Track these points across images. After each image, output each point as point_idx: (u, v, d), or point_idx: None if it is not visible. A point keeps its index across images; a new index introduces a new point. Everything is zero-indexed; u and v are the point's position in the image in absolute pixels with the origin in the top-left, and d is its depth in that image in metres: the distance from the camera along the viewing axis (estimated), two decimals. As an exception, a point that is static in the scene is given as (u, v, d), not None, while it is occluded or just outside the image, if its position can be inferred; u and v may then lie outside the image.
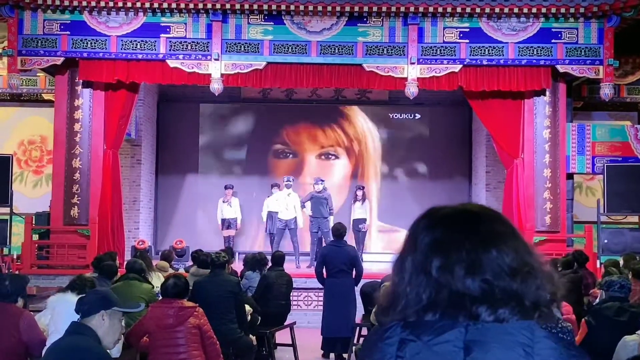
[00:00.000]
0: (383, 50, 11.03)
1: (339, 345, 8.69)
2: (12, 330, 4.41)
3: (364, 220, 13.49)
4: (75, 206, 11.19)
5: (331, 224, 13.21)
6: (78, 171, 11.22)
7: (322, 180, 13.27)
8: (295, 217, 12.81)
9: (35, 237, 11.38)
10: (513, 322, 0.98)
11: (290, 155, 15.53)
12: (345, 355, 8.60)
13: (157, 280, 7.61)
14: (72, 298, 4.46)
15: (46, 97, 13.39)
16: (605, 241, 11.24)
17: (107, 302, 3.21)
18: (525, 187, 11.27)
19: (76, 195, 11.20)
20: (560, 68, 10.98)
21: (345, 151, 15.51)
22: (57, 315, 4.49)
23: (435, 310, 1.01)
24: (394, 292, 1.08)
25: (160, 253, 10.57)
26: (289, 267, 12.03)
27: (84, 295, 3.38)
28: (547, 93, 11.25)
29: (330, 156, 15.56)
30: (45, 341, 4.46)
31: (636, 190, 11.22)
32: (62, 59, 10.99)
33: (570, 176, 11.64)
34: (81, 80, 11.19)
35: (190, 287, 5.94)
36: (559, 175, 11.25)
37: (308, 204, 12.78)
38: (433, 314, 1.01)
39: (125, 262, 8.45)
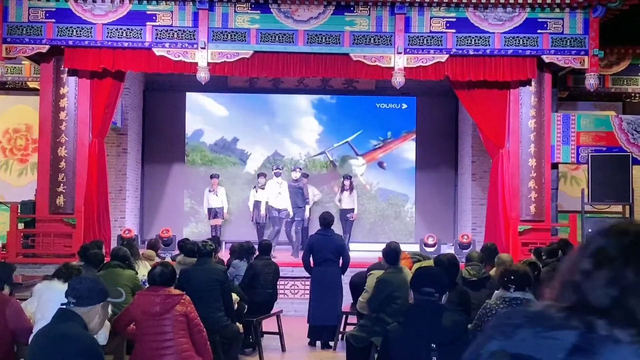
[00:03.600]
0: (370, 39, 11.04)
1: (325, 333, 8.75)
2: (-1, 316, 4.41)
3: (351, 210, 13.55)
4: (61, 195, 11.14)
5: (307, 214, 13.29)
6: (64, 160, 11.17)
7: (300, 169, 13.33)
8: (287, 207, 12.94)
9: (21, 225, 11.33)
10: (627, 346, 0.95)
11: (277, 145, 15.51)
12: (331, 343, 8.66)
13: (144, 269, 7.60)
14: (59, 286, 4.47)
15: (31, 85, 13.29)
16: (590, 230, 11.34)
17: (104, 294, 3.23)
18: (510, 177, 11.34)
19: (62, 184, 11.15)
20: (546, 58, 11.04)
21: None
22: (43, 302, 4.49)
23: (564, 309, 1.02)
24: (565, 289, 1.08)
25: (146, 242, 10.55)
26: (285, 256, 12.14)
27: (79, 280, 3.36)
28: (533, 83, 11.31)
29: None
30: (31, 328, 4.47)
31: (620, 180, 11.33)
32: (47, 46, 10.91)
33: (555, 166, 11.73)
34: (67, 69, 11.11)
35: (177, 276, 5.95)
36: (543, 165, 11.33)
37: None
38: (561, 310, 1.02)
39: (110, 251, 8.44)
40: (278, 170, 13.25)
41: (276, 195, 12.95)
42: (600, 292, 0.99)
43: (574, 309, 1.00)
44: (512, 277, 4.68)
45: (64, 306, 3.16)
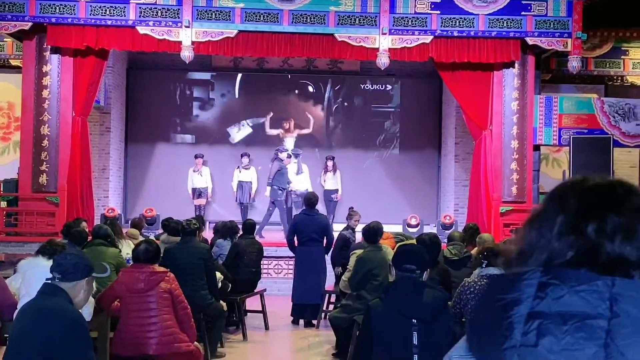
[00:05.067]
0: (355, 20, 11.03)
1: (308, 312, 8.83)
2: (-18, 293, 4.43)
3: (335, 191, 13.62)
4: (44, 173, 11.09)
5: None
6: (46, 138, 11.10)
7: (285, 150, 13.36)
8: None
9: (4, 204, 11.28)
10: None
11: (263, 125, 15.50)
12: (314, 322, 8.74)
13: (127, 247, 7.61)
14: (43, 262, 4.50)
15: (13, 62, 13.14)
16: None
17: (89, 269, 3.26)
18: (493, 158, 11.43)
19: (45, 163, 11.09)
20: (530, 40, 11.09)
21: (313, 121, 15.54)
22: (28, 279, 4.51)
23: (580, 267, 1.04)
24: (532, 245, 1.11)
25: (130, 221, 10.55)
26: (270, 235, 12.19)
27: (64, 255, 3.39)
28: (516, 65, 11.37)
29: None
30: (16, 304, 4.48)
31: (601, 161, 11.43)
32: (29, 24, 10.79)
33: (537, 148, 11.82)
34: (49, 46, 11.01)
35: (161, 254, 5.98)
36: (526, 147, 11.43)
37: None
38: (576, 269, 1.04)
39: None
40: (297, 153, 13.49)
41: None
42: (623, 245, 1.04)
43: (598, 266, 1.03)
44: (489, 255, 4.77)
45: (49, 281, 3.19)
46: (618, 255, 1.04)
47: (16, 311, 4.37)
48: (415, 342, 3.48)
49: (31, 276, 4.44)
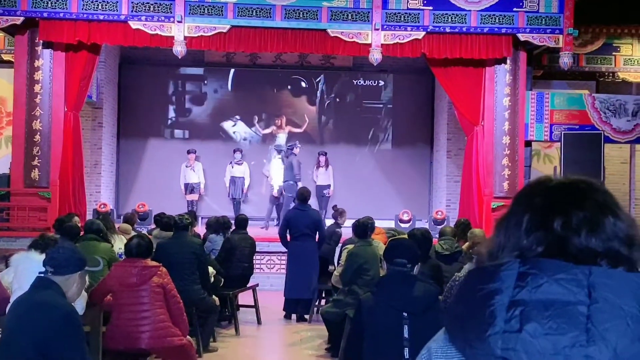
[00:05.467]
0: (347, 15, 11.04)
1: (300, 307, 8.86)
2: (-25, 287, 4.44)
3: (327, 186, 13.65)
4: (36, 168, 11.08)
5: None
6: (39, 133, 11.09)
7: (298, 146, 13.21)
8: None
9: (-5, 199, 11.27)
10: (633, 273, 1.06)
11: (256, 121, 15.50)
12: (306, 316, 8.78)
13: (120, 242, 7.61)
14: (36, 256, 4.52)
15: (5, 57, 13.09)
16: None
17: (82, 263, 3.28)
18: (484, 154, 11.48)
19: (37, 158, 11.08)
20: (521, 37, 11.14)
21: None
22: (20, 272, 4.52)
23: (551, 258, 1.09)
24: (500, 246, 1.16)
25: (122, 216, 10.55)
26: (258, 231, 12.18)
27: (57, 249, 3.40)
28: (508, 61, 11.42)
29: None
30: (8, 298, 4.49)
31: (592, 157, 11.51)
32: (22, 18, 10.76)
33: (528, 143, 11.88)
34: (41, 41, 10.99)
35: (154, 250, 5.99)
36: (517, 143, 11.48)
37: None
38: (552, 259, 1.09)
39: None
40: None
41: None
42: (589, 237, 1.10)
43: (569, 258, 1.08)
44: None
45: (42, 275, 3.20)
46: (585, 247, 1.09)
47: (8, 305, 4.40)
48: (406, 335, 3.52)
49: (24, 270, 4.45)
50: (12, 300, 4.40)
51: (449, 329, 1.13)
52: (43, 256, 4.42)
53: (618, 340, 0.98)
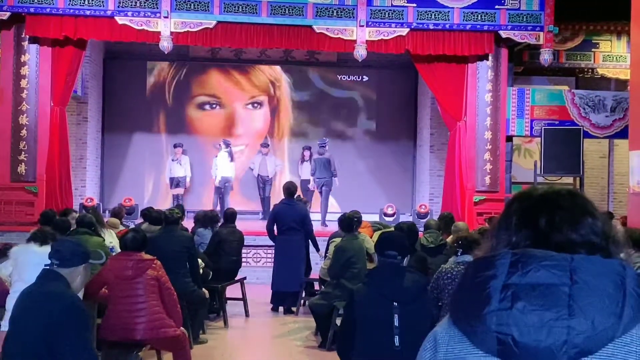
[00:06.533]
0: (333, 12, 11.18)
1: (287, 299, 9.01)
2: (-26, 279, 4.55)
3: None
4: (23, 163, 11.12)
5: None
6: (25, 128, 11.12)
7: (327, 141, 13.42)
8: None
9: (-18, 193, 11.27)
10: (601, 260, 1.24)
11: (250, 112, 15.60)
12: (293, 309, 8.93)
13: (109, 236, 7.72)
14: (36, 248, 4.65)
15: (-10, 52, 13.08)
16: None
17: (87, 256, 3.41)
18: (467, 149, 11.68)
19: (23, 152, 11.12)
20: (503, 34, 11.35)
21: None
22: (21, 264, 4.63)
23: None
24: (495, 245, 1.36)
25: (110, 210, 10.63)
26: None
27: (62, 242, 3.54)
28: (490, 58, 11.62)
29: (256, 106, 15.70)
30: (7, 291, 4.61)
31: (571, 152, 11.75)
32: (8, 13, 10.78)
33: (509, 138, 12.10)
34: (28, 36, 11.02)
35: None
36: (499, 138, 11.70)
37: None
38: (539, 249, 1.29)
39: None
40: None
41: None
42: (569, 233, 1.31)
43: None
44: (464, 243, 4.99)
45: (48, 267, 3.33)
46: (566, 240, 1.29)
47: (7, 297, 4.52)
48: (396, 323, 3.68)
49: (24, 262, 4.57)
50: (12, 290, 4.53)
51: (452, 313, 1.30)
52: (42, 248, 4.57)
53: (595, 314, 1.15)
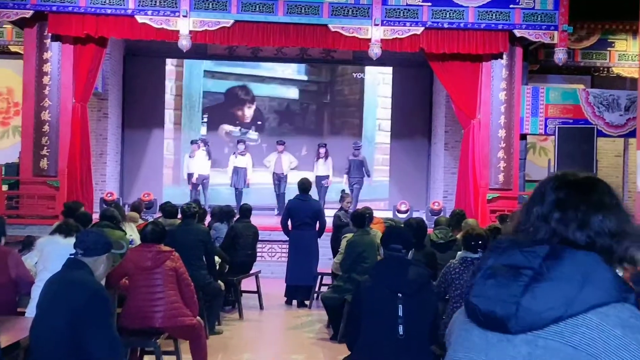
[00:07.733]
0: (348, 11, 11.35)
1: (301, 293, 9.21)
2: (2, 267, 4.79)
3: (326, 177, 13.99)
4: (45, 158, 11.40)
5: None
6: (47, 123, 11.40)
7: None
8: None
9: (5, 187, 11.58)
10: (583, 254, 1.37)
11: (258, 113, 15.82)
12: (307, 302, 9.13)
13: (130, 229, 7.93)
14: (61, 240, 4.88)
15: (13, 49, 13.39)
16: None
17: (109, 246, 3.64)
18: (481, 147, 11.80)
19: (45, 147, 11.40)
20: (517, 33, 11.45)
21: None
22: (46, 254, 4.87)
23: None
24: (517, 227, 1.50)
25: (129, 205, 10.87)
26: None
27: (86, 233, 3.76)
28: (504, 56, 11.72)
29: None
30: (32, 280, 4.85)
31: (585, 151, 11.83)
32: (31, 12, 11.06)
33: (523, 137, 12.20)
34: (50, 34, 11.29)
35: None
36: (513, 136, 11.80)
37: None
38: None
39: (93, 213, 8.78)
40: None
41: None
42: (575, 232, 1.42)
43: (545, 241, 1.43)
44: (473, 239, 5.15)
45: (73, 256, 3.55)
46: (571, 240, 1.41)
47: (34, 285, 4.76)
48: (400, 313, 3.87)
49: (49, 252, 4.81)
50: (37, 279, 4.76)
51: (464, 294, 1.52)
52: (67, 240, 4.80)
53: (547, 297, 1.32)
